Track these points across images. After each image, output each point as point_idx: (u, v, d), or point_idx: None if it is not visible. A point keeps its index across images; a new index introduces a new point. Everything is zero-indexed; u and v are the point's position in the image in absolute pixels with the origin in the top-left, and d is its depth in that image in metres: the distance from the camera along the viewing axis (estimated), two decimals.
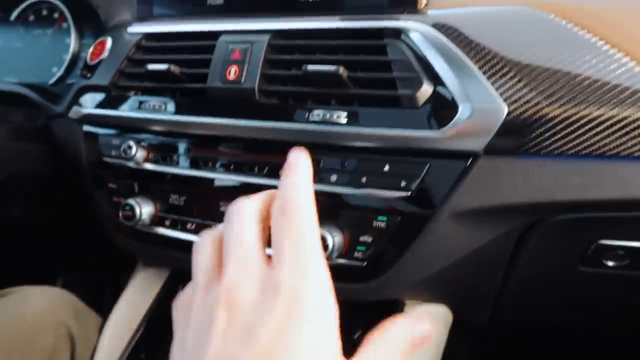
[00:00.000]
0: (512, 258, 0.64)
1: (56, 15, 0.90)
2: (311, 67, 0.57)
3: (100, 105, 0.73)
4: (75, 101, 0.76)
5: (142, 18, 0.75)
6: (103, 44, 0.75)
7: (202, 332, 0.25)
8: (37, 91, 0.86)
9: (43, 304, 0.64)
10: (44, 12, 0.91)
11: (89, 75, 0.75)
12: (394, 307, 0.69)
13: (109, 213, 0.72)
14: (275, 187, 0.61)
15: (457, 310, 0.72)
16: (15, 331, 0.61)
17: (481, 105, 0.52)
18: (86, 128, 0.76)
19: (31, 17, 0.92)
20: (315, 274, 0.28)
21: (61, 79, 0.87)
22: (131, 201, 0.68)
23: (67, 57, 0.87)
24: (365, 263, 0.58)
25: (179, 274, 0.82)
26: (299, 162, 0.32)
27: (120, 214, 0.68)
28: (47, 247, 1.01)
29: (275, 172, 0.62)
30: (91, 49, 0.76)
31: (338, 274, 0.59)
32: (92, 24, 0.86)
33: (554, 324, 0.84)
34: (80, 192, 0.88)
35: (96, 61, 0.74)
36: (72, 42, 0.87)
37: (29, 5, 0.92)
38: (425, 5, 0.60)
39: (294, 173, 0.31)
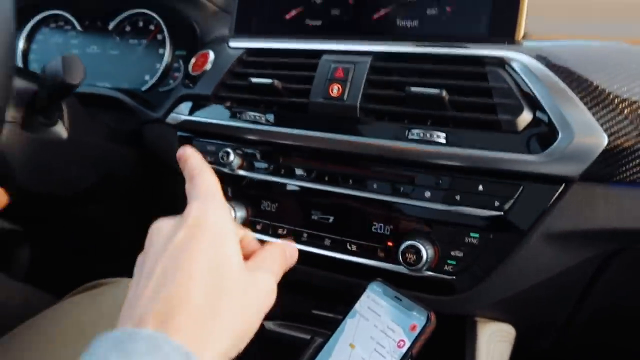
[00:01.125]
0: (589, 283, 0.66)
1: (152, 27, 0.96)
2: (414, 89, 0.61)
3: (200, 113, 0.78)
4: (173, 108, 0.82)
5: (239, 34, 0.81)
6: (205, 56, 0.80)
7: (147, 246, 0.40)
8: (130, 97, 0.92)
9: None
10: (140, 24, 0.98)
11: (190, 84, 0.80)
12: (461, 322, 0.71)
13: None
14: (365, 198, 0.65)
15: (523, 331, 0.74)
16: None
17: (581, 134, 0.55)
18: (181, 133, 0.81)
19: (127, 28, 0.99)
20: (214, 210, 0.40)
21: (153, 87, 0.93)
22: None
23: (161, 67, 0.92)
24: (454, 277, 0.61)
25: None
26: (187, 151, 0.46)
27: None
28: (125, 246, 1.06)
29: (368, 184, 0.65)
30: (193, 61, 0.82)
31: (426, 285, 0.63)
32: (186, 36, 0.92)
33: (618, 351, 0.85)
34: (165, 195, 0.93)
35: (199, 72, 0.79)
36: (167, 52, 0.93)
37: (127, 17, 0.98)
38: (523, 37, 0.64)
39: (190, 158, 0.45)
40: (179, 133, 0.81)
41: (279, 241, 0.47)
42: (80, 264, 1.13)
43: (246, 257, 0.42)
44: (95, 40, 1.02)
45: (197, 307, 0.35)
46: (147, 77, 0.94)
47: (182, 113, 0.80)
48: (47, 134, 0.75)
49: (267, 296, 0.41)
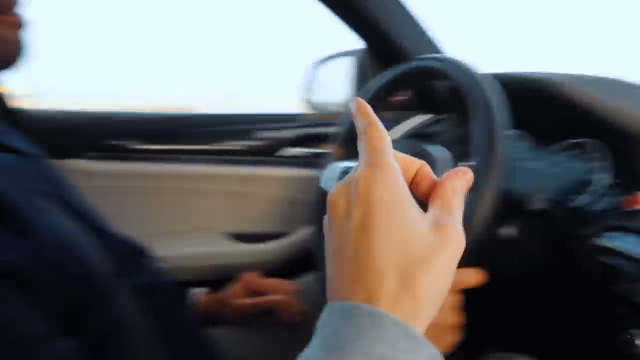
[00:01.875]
0: None
1: (587, 152, 1.13)
2: None
3: (628, 243, 0.91)
4: (602, 232, 0.96)
5: None
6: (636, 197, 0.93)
7: (329, 219, 0.41)
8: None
9: None
10: (577, 149, 1.16)
11: (622, 218, 0.94)
12: None
13: (611, 332, 0.89)
14: None
15: None
16: None
17: None
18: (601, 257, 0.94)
19: (566, 149, 1.18)
20: (382, 175, 0.38)
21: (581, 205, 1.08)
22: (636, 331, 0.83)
23: (593, 190, 1.07)
24: None
25: None
26: (360, 103, 0.44)
27: (623, 338, 0.85)
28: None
29: None
30: (627, 198, 0.95)
31: None
32: (629, 176, 1.05)
33: None
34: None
35: (629, 209, 0.92)
36: (601, 179, 1.07)
37: (571, 142, 1.18)
38: None
39: (363, 116, 0.43)
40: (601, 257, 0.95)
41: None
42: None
43: (425, 195, 0.42)
44: (538, 156, 1.25)
45: (393, 291, 0.34)
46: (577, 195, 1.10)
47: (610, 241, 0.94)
48: None
49: (457, 249, 0.38)
